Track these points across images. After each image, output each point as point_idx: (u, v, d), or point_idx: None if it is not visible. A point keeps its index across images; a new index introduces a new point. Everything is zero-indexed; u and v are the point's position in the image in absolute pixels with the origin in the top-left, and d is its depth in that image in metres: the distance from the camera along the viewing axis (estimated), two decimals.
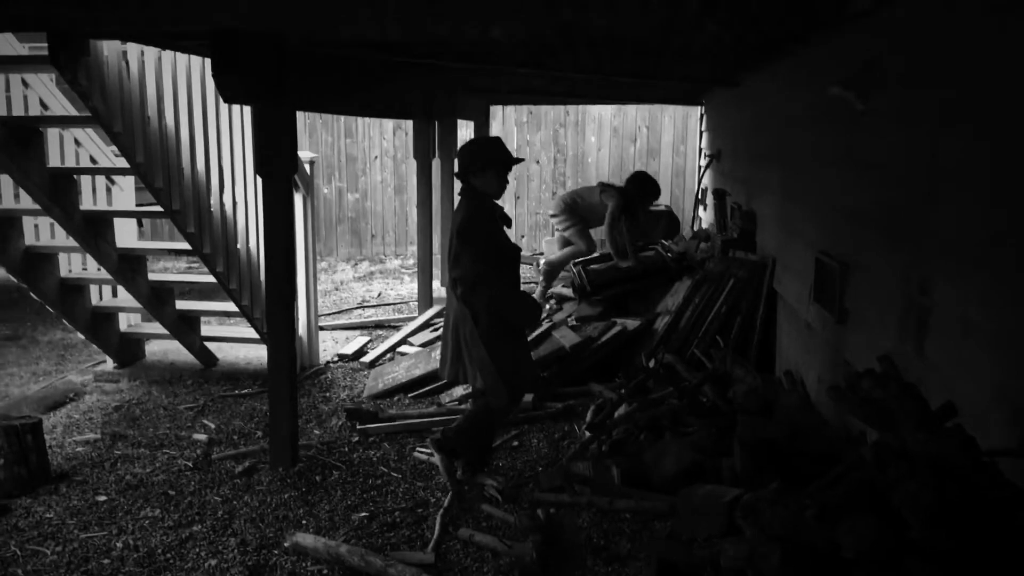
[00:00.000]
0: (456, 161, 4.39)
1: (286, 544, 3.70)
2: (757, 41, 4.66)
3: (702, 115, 10.39)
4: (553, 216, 8.21)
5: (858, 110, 3.49)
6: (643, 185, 7.84)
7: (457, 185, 4.37)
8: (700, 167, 10.20)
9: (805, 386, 4.55)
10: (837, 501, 1.89)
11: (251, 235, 5.93)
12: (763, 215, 5.90)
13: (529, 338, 5.96)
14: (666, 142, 11.94)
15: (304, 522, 3.96)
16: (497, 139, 4.51)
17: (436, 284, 8.62)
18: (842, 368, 3.73)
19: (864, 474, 1.97)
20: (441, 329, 4.35)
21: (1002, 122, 2.37)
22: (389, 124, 12.14)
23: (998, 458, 1.97)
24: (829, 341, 4.04)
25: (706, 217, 9.15)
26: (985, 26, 2.51)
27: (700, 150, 10.65)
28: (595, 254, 7.88)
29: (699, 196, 9.81)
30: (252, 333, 6.20)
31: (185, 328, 6.20)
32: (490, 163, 4.26)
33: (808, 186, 4.55)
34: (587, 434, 4.78)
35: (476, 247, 4.15)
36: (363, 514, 4.02)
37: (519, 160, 4.48)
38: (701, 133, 10.51)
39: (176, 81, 5.00)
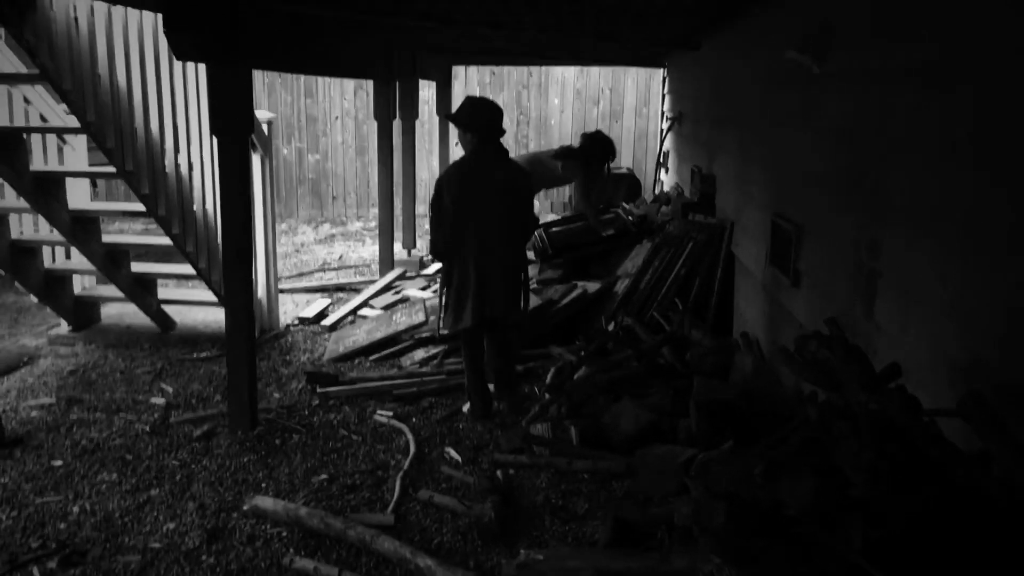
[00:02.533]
0: (493, 125, 4.59)
1: (245, 507, 3.70)
2: (717, 2, 4.66)
3: (664, 78, 10.38)
4: None
5: (814, 73, 3.52)
6: (603, 147, 7.66)
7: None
8: (662, 130, 10.21)
9: (761, 348, 4.62)
10: (783, 459, 1.93)
11: (208, 196, 5.83)
12: (722, 178, 5.94)
13: None
14: (629, 104, 11.92)
15: (263, 485, 3.96)
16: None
17: (398, 247, 8.59)
18: (795, 330, 3.79)
19: (810, 433, 2.02)
20: (470, 279, 4.55)
21: (952, 87, 2.41)
22: (350, 84, 11.97)
23: (938, 418, 2.02)
24: (783, 303, 4.10)
25: (668, 180, 9.19)
26: None
27: (662, 113, 10.66)
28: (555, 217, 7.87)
29: (661, 159, 9.84)
30: (210, 296, 6.14)
31: (141, 291, 6.11)
32: None
33: (766, 150, 4.58)
34: (547, 396, 4.83)
35: None
36: (323, 477, 4.04)
37: None
38: (663, 96, 10.51)
39: (127, 38, 4.87)
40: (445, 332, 4.82)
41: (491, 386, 4.86)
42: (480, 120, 4.52)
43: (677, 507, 2.90)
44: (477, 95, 4.82)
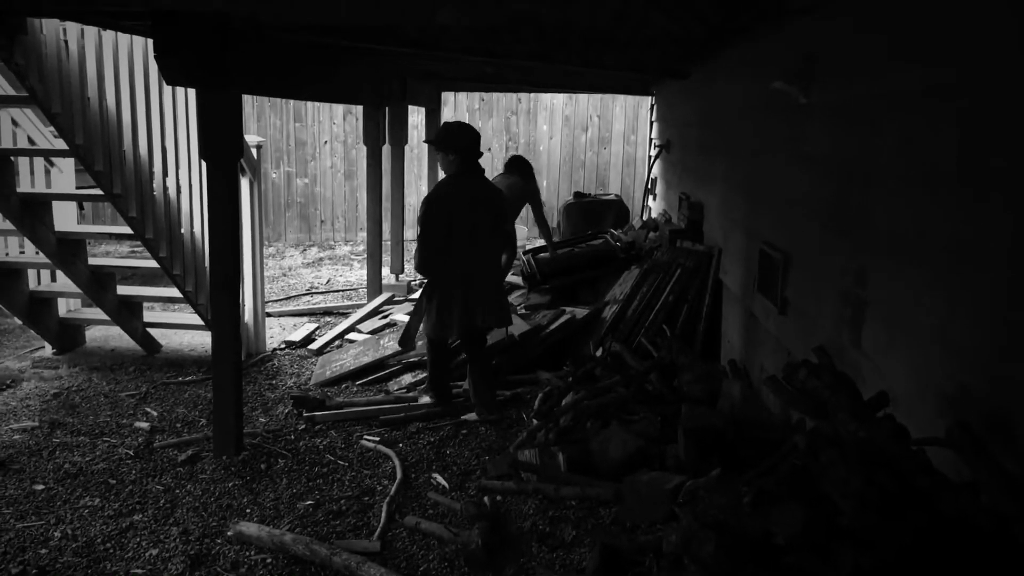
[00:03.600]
0: (473, 146, 4.94)
1: (229, 533, 3.66)
2: (704, 33, 4.71)
3: (652, 105, 10.47)
4: None
5: (800, 104, 3.55)
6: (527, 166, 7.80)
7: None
8: (650, 157, 10.28)
9: (749, 375, 4.63)
10: (772, 488, 1.93)
11: (196, 220, 5.82)
12: (710, 206, 5.98)
13: None
14: (617, 131, 12.01)
15: (248, 511, 3.92)
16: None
17: (386, 271, 8.58)
18: (783, 357, 3.81)
19: (798, 461, 2.02)
20: (457, 292, 4.89)
21: (937, 118, 2.44)
22: (339, 109, 12.00)
23: (926, 447, 2.03)
24: (771, 331, 4.12)
25: (656, 207, 9.24)
26: (918, 23, 2.57)
27: (650, 140, 10.74)
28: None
29: (649, 186, 9.89)
30: (196, 319, 6.11)
31: (127, 314, 6.07)
32: None
33: (753, 178, 4.62)
34: (534, 422, 4.81)
35: None
36: (308, 502, 4.00)
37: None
38: (652, 123, 10.59)
39: (117, 62, 4.88)
40: (419, 342, 5.22)
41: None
42: (461, 142, 4.88)
43: (665, 535, 2.89)
44: (455, 120, 5.01)
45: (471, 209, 4.82)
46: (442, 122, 10.08)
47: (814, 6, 3.33)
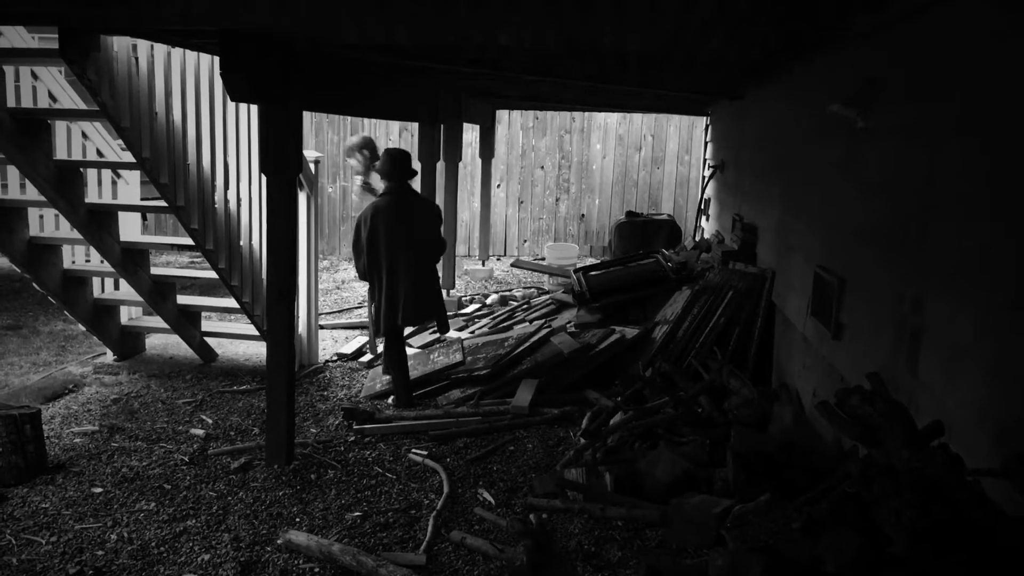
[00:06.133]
0: (403, 171, 5.55)
1: (279, 541, 3.72)
2: (761, 57, 4.69)
3: (707, 126, 10.42)
4: None
5: (858, 128, 3.52)
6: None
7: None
8: (704, 177, 10.23)
9: (800, 399, 4.57)
10: (822, 515, 1.91)
11: (254, 232, 5.96)
12: (764, 228, 5.93)
13: (527, 344, 6.03)
14: (671, 151, 11.97)
15: (298, 520, 3.98)
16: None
17: None
18: (836, 383, 3.75)
19: (850, 489, 2.00)
20: (399, 290, 5.43)
21: (1002, 142, 2.40)
22: (395, 126, 12.17)
23: (982, 478, 1.99)
24: (825, 355, 4.06)
25: (708, 227, 9.18)
26: (986, 51, 2.54)
27: (704, 160, 10.69)
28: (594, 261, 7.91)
29: (702, 206, 9.84)
30: (252, 330, 6.23)
31: (185, 323, 6.22)
32: None
33: (808, 201, 4.58)
34: (582, 441, 4.80)
35: None
36: (356, 514, 4.05)
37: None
38: (706, 143, 10.55)
39: (184, 78, 5.04)
40: (382, 336, 5.67)
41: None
42: (395, 170, 5.52)
43: (712, 559, 2.86)
44: (396, 147, 6.12)
45: (402, 221, 5.42)
46: (496, 140, 10.17)
47: (876, 30, 3.30)
